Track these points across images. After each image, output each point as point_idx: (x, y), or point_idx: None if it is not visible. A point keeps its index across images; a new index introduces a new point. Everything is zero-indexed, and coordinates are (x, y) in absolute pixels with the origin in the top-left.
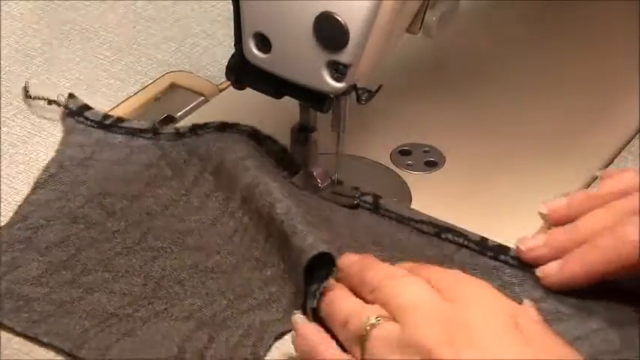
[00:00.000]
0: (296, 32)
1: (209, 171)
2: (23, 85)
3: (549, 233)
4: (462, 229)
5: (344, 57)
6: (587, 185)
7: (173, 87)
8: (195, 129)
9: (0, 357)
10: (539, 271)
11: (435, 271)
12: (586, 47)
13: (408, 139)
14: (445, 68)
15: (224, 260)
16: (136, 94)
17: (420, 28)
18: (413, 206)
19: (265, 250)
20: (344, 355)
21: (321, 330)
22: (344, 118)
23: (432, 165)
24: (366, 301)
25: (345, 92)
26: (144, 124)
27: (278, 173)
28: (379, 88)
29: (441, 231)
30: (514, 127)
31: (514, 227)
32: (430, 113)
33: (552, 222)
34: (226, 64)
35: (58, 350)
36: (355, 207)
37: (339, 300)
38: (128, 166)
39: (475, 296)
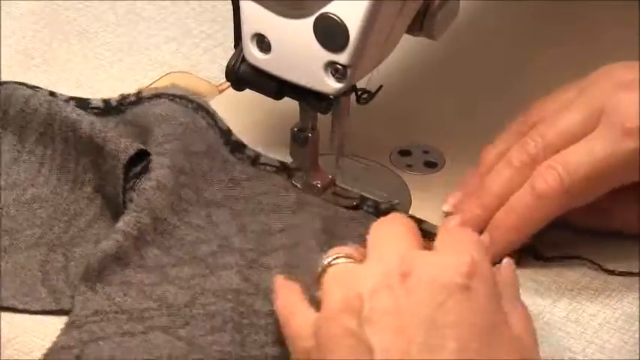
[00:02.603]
0: (296, 33)
1: None
2: None
3: (462, 206)
4: None
5: (344, 58)
6: None
7: (173, 87)
8: None
9: (0, 357)
10: None
11: None
12: (588, 47)
13: (408, 139)
14: (445, 68)
15: (40, 190)
16: None
17: (421, 28)
18: (413, 206)
19: (79, 169)
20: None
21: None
22: (344, 118)
23: (431, 165)
24: None
25: (344, 93)
26: None
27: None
28: (379, 88)
29: None
30: None
31: None
32: (430, 113)
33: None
34: (226, 64)
35: None
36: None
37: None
38: None
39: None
